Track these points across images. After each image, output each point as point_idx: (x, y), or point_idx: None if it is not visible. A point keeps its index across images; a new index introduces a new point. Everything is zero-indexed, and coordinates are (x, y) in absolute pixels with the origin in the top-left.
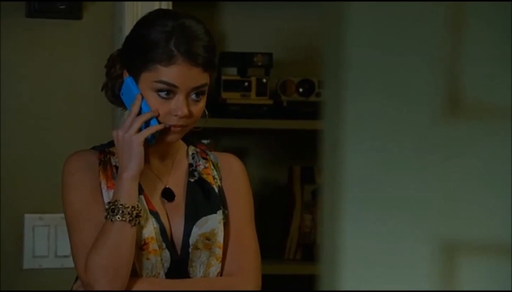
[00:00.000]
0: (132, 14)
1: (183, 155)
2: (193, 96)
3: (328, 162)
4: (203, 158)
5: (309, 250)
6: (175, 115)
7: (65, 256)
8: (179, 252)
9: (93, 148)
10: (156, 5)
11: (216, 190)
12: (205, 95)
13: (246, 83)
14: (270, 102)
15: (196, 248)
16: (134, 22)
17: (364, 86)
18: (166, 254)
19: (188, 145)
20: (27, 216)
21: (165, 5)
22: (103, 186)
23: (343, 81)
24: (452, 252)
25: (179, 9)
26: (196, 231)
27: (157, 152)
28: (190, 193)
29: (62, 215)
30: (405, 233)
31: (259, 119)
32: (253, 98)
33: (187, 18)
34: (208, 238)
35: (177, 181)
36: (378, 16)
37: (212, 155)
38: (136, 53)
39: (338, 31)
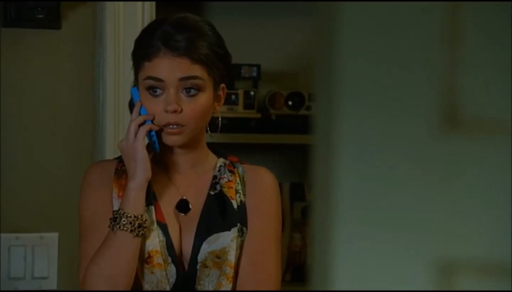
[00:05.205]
0: (113, 24)
1: (210, 167)
2: (185, 91)
3: (319, 178)
4: (230, 171)
5: (299, 271)
6: (166, 112)
7: (43, 278)
8: (186, 268)
9: (118, 158)
10: (138, 16)
11: (235, 205)
12: (205, 93)
13: (233, 96)
14: (258, 115)
15: (204, 265)
16: (115, 32)
17: (357, 100)
18: (172, 268)
19: (218, 157)
20: (2, 235)
21: (147, 18)
22: (114, 194)
23: (336, 94)
24: (450, 273)
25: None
26: (205, 248)
27: (178, 163)
28: (207, 206)
29: (40, 234)
30: (401, 253)
31: (246, 133)
32: (240, 111)
33: (183, 14)
34: (218, 256)
35: (197, 193)
36: (372, 27)
37: (241, 168)
38: (132, 59)
39: (331, 43)
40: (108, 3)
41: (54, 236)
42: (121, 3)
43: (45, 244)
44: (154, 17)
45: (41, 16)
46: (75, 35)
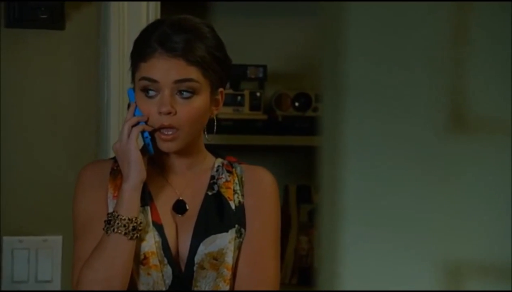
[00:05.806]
0: (117, 24)
1: (207, 167)
2: (179, 94)
3: (326, 180)
4: (228, 171)
5: (305, 274)
6: (160, 113)
7: (46, 281)
8: (183, 269)
9: (114, 158)
10: (143, 16)
11: (233, 206)
12: (201, 97)
13: (239, 97)
14: (265, 117)
15: (201, 267)
16: (120, 32)
17: (364, 101)
18: (168, 270)
19: (216, 158)
20: (5, 238)
21: (152, 18)
22: (110, 195)
23: (342, 96)
24: (456, 274)
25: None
26: (202, 249)
27: (175, 165)
28: (205, 207)
29: (43, 237)
30: (407, 254)
31: (252, 135)
32: (246, 113)
33: (183, 16)
34: (216, 258)
35: (194, 194)
36: (378, 27)
37: (239, 168)
38: (131, 59)
39: (337, 44)
40: (112, 3)
41: (58, 239)
42: (125, 3)
43: (49, 247)
44: (159, 17)
45: (44, 16)
46: (79, 35)
